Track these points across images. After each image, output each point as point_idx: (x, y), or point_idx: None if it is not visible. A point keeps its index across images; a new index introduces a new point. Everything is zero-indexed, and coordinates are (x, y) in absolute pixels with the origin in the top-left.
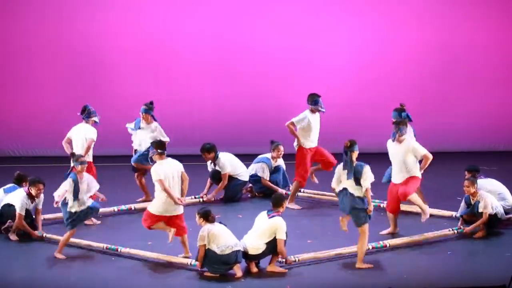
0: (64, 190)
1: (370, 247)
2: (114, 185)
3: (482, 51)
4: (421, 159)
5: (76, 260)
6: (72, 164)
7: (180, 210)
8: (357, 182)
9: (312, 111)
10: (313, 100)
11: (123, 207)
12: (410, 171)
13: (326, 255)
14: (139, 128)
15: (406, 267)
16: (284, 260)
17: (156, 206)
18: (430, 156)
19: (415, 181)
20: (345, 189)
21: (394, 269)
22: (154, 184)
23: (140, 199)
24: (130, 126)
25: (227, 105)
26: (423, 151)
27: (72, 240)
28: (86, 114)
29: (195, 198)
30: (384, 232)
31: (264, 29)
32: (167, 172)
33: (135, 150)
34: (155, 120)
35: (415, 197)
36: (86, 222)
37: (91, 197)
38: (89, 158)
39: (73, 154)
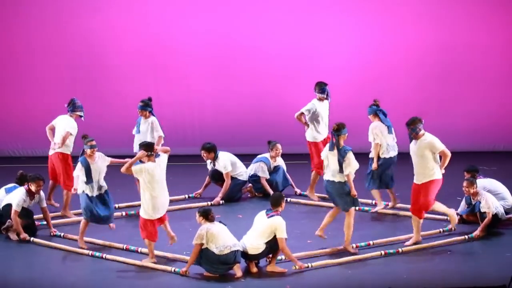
0: (76, 176)
1: (383, 253)
2: (114, 184)
3: (482, 51)
4: (440, 155)
5: (75, 260)
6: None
7: (165, 209)
8: (341, 167)
9: (320, 100)
10: (320, 89)
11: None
12: (428, 171)
13: (339, 261)
14: (139, 128)
15: (406, 267)
16: (297, 266)
17: (145, 209)
18: (448, 153)
19: (434, 186)
20: (327, 180)
21: (394, 269)
22: (140, 186)
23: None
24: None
25: (227, 105)
26: (440, 146)
27: (60, 245)
28: (71, 106)
29: (188, 197)
30: (408, 242)
31: (264, 29)
32: (153, 170)
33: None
34: (153, 115)
35: (438, 205)
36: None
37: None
38: (68, 150)
39: (84, 137)
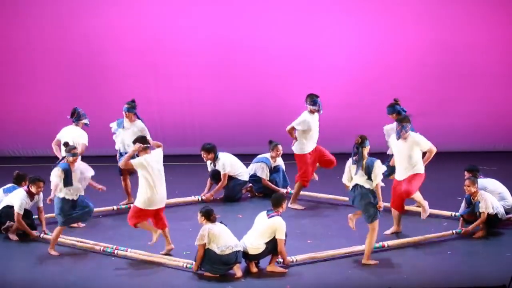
0: (55, 182)
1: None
2: (114, 184)
3: (482, 51)
4: (425, 151)
5: (75, 259)
6: (64, 154)
7: (164, 203)
8: (369, 177)
9: (311, 112)
10: (312, 101)
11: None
12: (414, 166)
13: (323, 255)
14: (123, 127)
15: (406, 267)
16: (282, 260)
17: (142, 200)
18: (434, 149)
19: (419, 178)
20: (356, 185)
21: (394, 269)
22: (139, 179)
23: (123, 202)
24: (113, 125)
25: (227, 105)
26: (427, 144)
27: (65, 239)
28: (76, 117)
29: (198, 200)
30: (388, 231)
31: (264, 29)
32: (151, 162)
33: (121, 152)
34: (138, 118)
35: (417, 194)
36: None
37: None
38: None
39: (66, 144)
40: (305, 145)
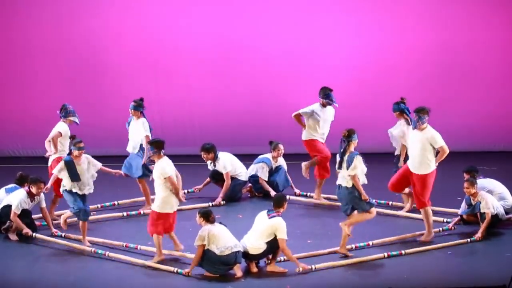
0: (54, 175)
1: (386, 255)
2: (114, 184)
3: (482, 51)
4: (438, 150)
5: (75, 260)
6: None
7: (176, 206)
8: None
9: (323, 105)
10: (325, 94)
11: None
12: (426, 162)
13: (342, 263)
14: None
15: (406, 267)
16: (300, 268)
17: (162, 204)
18: (447, 150)
19: (430, 181)
20: (339, 185)
21: (394, 269)
22: (156, 183)
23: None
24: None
25: (227, 104)
26: (441, 142)
27: (62, 241)
28: (62, 112)
29: (187, 192)
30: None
31: (265, 28)
32: (172, 169)
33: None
34: (144, 117)
35: (429, 212)
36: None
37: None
38: (64, 154)
39: (73, 137)
40: (313, 132)
